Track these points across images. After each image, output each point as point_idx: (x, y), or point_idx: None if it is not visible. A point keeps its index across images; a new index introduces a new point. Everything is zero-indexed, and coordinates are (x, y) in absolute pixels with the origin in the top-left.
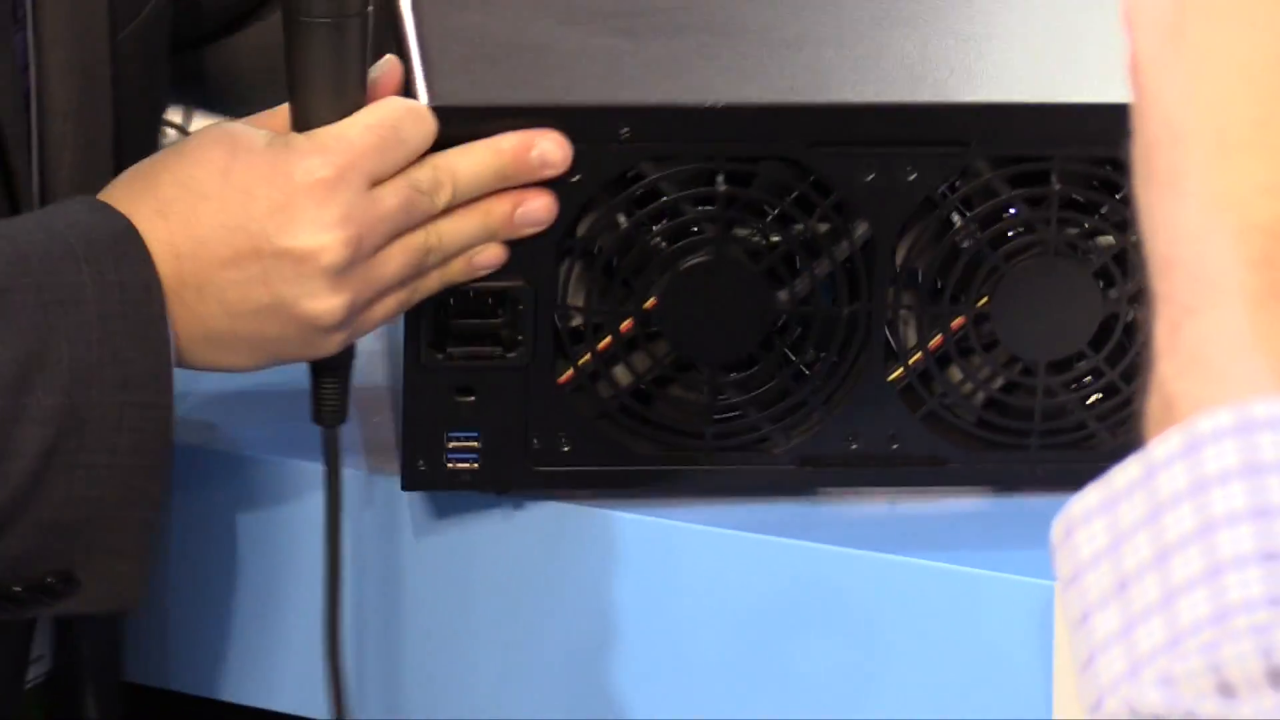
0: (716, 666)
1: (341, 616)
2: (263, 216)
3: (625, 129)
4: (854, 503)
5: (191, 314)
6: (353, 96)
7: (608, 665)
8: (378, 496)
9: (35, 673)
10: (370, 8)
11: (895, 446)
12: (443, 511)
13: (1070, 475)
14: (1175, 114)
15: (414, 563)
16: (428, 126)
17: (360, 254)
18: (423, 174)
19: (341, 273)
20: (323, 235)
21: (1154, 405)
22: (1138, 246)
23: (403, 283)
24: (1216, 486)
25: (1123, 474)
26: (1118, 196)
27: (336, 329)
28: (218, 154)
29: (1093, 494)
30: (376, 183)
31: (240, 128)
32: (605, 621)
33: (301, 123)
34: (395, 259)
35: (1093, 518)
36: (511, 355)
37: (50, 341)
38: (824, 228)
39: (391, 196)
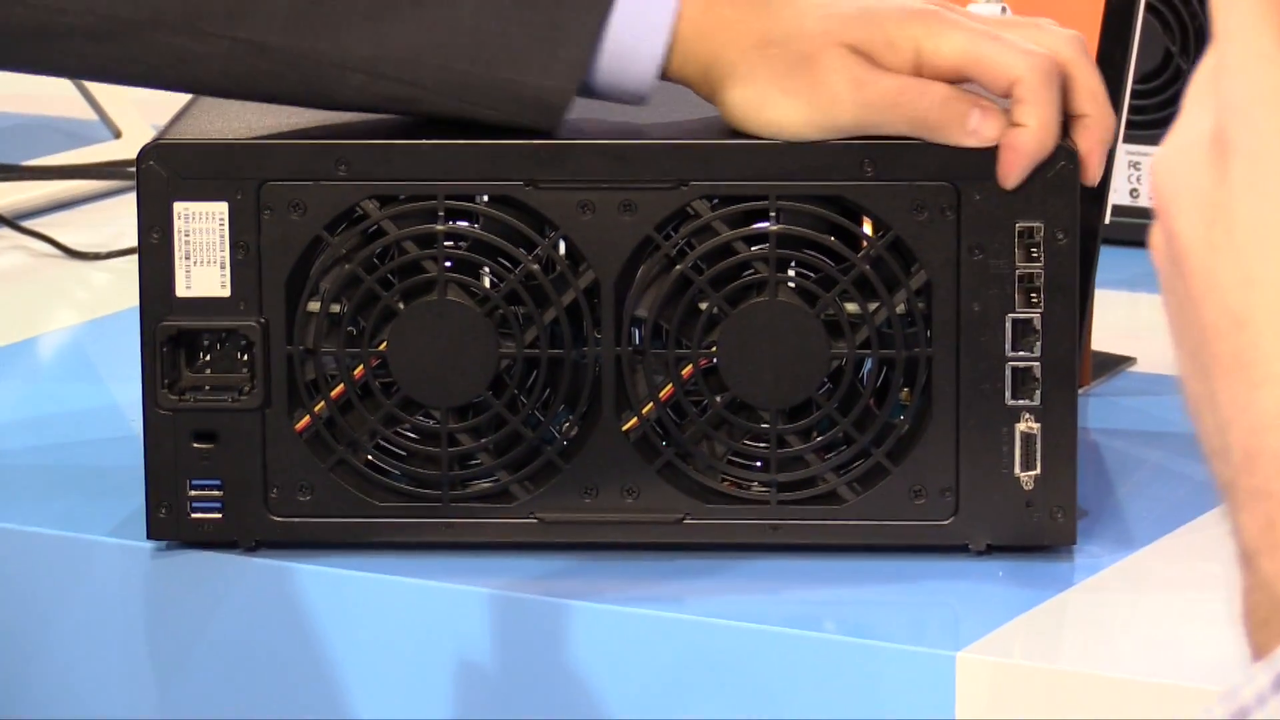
0: None
1: None
2: None
3: (341, 167)
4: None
5: None
6: None
7: None
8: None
9: None
10: None
11: (632, 500)
12: (182, 563)
13: (812, 532)
14: (1234, 298)
15: (153, 617)
16: None
17: None
18: None
19: None
20: None
21: (1258, 604)
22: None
23: None
24: None
25: (1249, 685)
26: (835, 238)
27: None
28: None
29: (1218, 709)
30: None
31: None
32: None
33: None
34: None
35: None
36: (246, 399)
37: None
38: (540, 268)
39: None
